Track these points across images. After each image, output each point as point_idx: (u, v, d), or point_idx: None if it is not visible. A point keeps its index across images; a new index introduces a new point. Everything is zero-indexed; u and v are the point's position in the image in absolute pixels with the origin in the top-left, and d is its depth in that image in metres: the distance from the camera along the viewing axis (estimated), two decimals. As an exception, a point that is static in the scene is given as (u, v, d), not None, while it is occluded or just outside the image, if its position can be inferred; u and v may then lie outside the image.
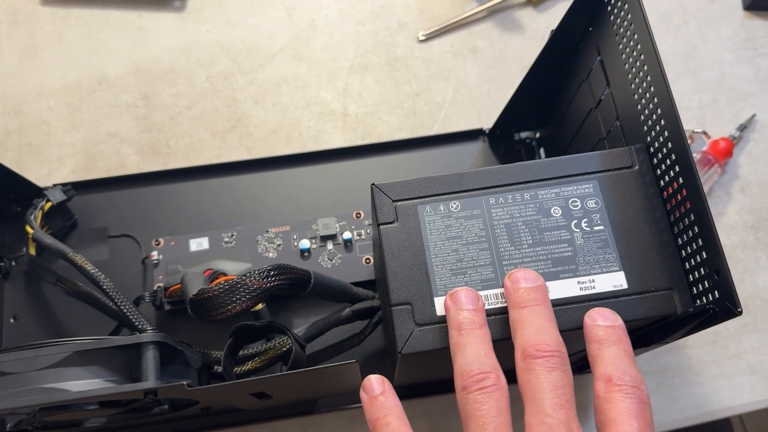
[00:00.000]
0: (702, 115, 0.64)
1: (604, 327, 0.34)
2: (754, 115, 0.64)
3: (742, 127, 0.63)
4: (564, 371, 0.32)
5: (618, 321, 0.35)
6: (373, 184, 0.40)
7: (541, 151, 0.61)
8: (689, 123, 0.64)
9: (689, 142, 0.61)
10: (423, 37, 0.67)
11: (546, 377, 0.32)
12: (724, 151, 0.61)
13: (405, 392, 0.54)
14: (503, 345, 0.36)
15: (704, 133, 0.63)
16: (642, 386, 0.32)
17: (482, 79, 0.66)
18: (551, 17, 0.67)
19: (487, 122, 0.63)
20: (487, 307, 0.37)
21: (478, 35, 0.68)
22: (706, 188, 0.60)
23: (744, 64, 0.66)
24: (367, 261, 0.56)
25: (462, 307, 0.35)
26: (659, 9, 0.68)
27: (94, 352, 0.37)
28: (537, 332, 0.33)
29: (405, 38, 0.67)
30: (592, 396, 0.32)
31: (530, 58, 0.65)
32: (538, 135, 0.62)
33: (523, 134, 0.62)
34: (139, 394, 0.36)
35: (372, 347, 0.55)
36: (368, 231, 0.57)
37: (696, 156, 0.60)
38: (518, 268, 0.37)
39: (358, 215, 0.58)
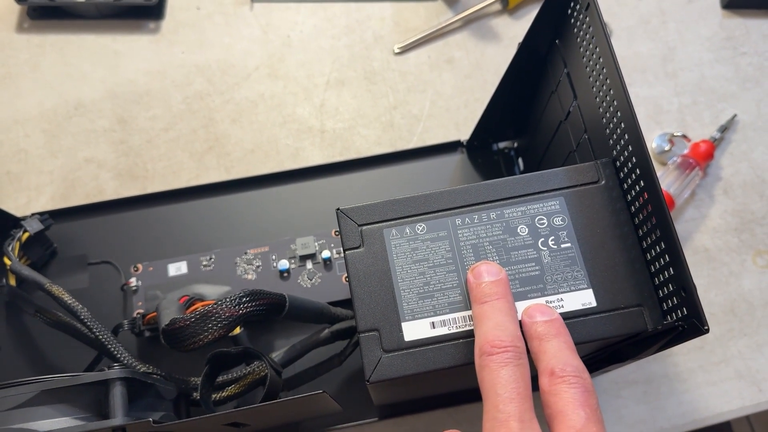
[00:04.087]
0: (682, 117, 0.64)
1: (543, 322, 0.34)
2: (734, 116, 0.63)
3: (723, 128, 0.62)
4: (517, 365, 0.32)
5: (555, 315, 0.35)
6: (338, 209, 0.40)
7: (520, 161, 0.60)
8: (669, 126, 0.63)
9: (669, 146, 0.60)
10: (399, 50, 0.67)
11: (498, 373, 0.32)
12: (705, 154, 0.60)
13: (388, 411, 0.54)
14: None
15: (684, 136, 0.62)
16: (584, 374, 0.32)
17: (459, 89, 0.66)
18: (527, 24, 0.66)
19: (466, 133, 0.63)
20: (454, 330, 0.36)
21: (454, 45, 0.67)
22: (687, 192, 0.60)
23: (724, 64, 0.66)
24: (348, 279, 0.56)
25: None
26: (636, 11, 0.68)
27: (61, 390, 0.37)
28: (494, 328, 0.33)
29: (381, 51, 0.67)
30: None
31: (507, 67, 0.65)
32: (516, 145, 0.61)
33: (501, 144, 0.62)
34: (108, 431, 0.36)
35: (353, 367, 0.55)
36: (347, 249, 0.57)
37: (676, 160, 0.60)
38: (481, 261, 0.37)
39: (337, 233, 0.57)
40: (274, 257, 0.57)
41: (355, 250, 0.39)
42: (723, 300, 0.58)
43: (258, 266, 0.57)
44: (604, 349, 0.41)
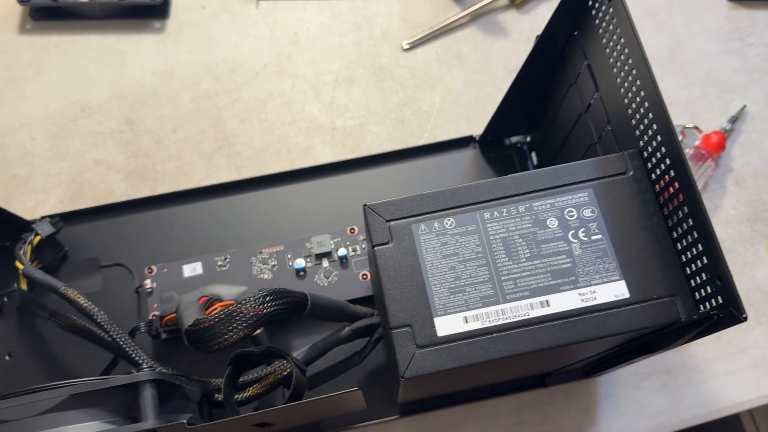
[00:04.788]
0: (692, 109, 0.64)
1: None
2: (744, 107, 0.63)
3: (734, 119, 0.62)
4: None
5: None
6: (365, 204, 0.39)
7: (533, 155, 0.60)
8: (679, 118, 0.63)
9: (681, 137, 0.60)
10: (407, 46, 0.67)
11: None
12: (717, 145, 0.60)
13: (409, 408, 0.54)
14: (515, 361, 0.35)
15: (695, 127, 0.62)
16: None
17: (469, 85, 0.65)
18: (535, 18, 0.67)
19: (476, 128, 0.63)
20: (487, 324, 0.36)
21: (463, 41, 0.67)
22: (700, 183, 0.60)
23: (731, 55, 0.66)
24: (364, 277, 0.56)
25: None
26: (644, 4, 0.68)
27: (90, 394, 0.36)
28: None
29: (389, 48, 0.67)
30: None
31: (516, 61, 0.65)
32: (528, 139, 0.61)
33: (514, 139, 0.61)
34: (139, 434, 0.35)
35: (373, 364, 0.54)
36: (363, 246, 0.57)
37: (689, 152, 0.60)
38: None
39: (352, 230, 0.57)
40: (289, 256, 0.56)
41: (385, 246, 0.38)
42: (738, 290, 0.58)
43: (274, 265, 0.56)
44: (634, 340, 0.40)
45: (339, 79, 0.66)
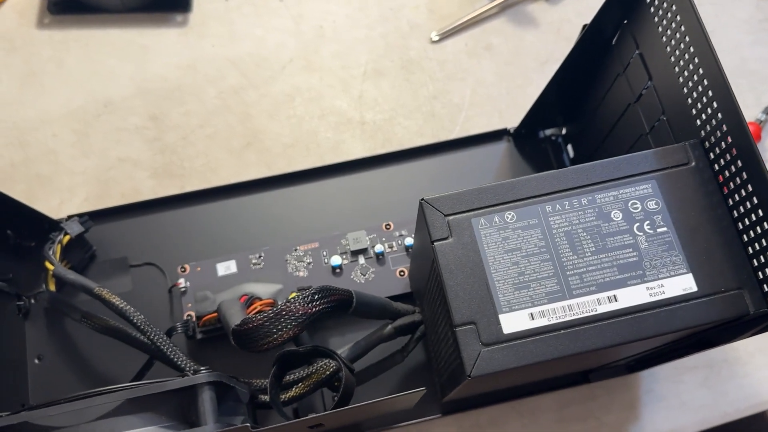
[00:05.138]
0: (725, 100, 0.63)
1: None
2: (777, 97, 0.63)
3: None
4: None
5: None
6: (422, 199, 0.38)
7: (569, 147, 0.59)
8: (713, 109, 0.63)
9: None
10: (436, 38, 0.65)
11: None
12: (754, 136, 0.59)
13: (451, 407, 0.53)
14: (578, 357, 0.35)
15: (731, 118, 0.61)
16: None
17: (500, 77, 0.64)
18: (564, 9, 0.66)
19: (509, 121, 0.62)
20: (554, 321, 0.35)
21: (492, 32, 0.66)
22: (736, 174, 0.59)
23: (763, 46, 0.65)
24: (401, 273, 0.55)
25: None
26: (672, -6, 0.67)
27: (146, 399, 0.35)
28: None
29: (417, 40, 0.66)
30: None
31: (546, 52, 0.64)
32: (564, 132, 0.60)
33: (548, 131, 0.61)
34: (199, 438, 0.34)
35: (414, 362, 0.53)
36: (400, 243, 0.55)
37: (726, 143, 0.59)
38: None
39: (388, 227, 0.56)
40: (325, 253, 0.55)
41: (444, 241, 0.37)
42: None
43: (309, 263, 0.55)
44: (696, 334, 0.40)
45: (367, 73, 0.65)
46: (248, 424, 0.32)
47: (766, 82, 0.64)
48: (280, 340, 0.41)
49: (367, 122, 0.63)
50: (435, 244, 0.37)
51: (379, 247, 0.55)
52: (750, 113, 0.62)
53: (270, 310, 0.41)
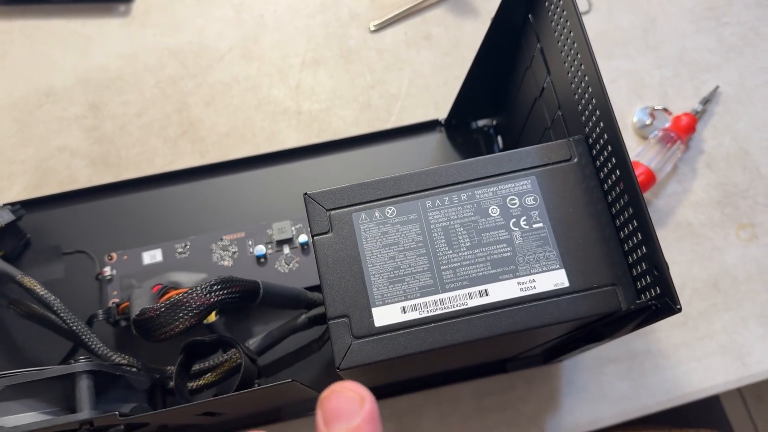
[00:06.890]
0: (664, 90, 0.63)
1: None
2: (717, 87, 0.62)
3: (705, 101, 0.61)
4: None
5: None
6: (305, 193, 0.39)
7: (499, 138, 0.59)
8: (651, 100, 0.62)
9: (650, 120, 0.59)
10: (375, 27, 0.65)
11: None
12: (687, 127, 0.59)
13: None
14: (453, 349, 0.35)
15: (665, 109, 0.61)
16: None
17: (438, 67, 0.64)
18: (506, -2, 0.65)
19: (445, 112, 0.62)
20: (425, 314, 0.36)
21: (432, 22, 0.66)
22: (669, 166, 0.59)
23: (706, 35, 0.64)
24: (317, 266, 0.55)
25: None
26: (617, -17, 0.66)
27: (28, 385, 0.36)
28: None
29: (357, 29, 0.66)
30: None
31: (484, 44, 0.64)
32: (495, 123, 0.60)
33: (481, 122, 0.61)
34: (74, 425, 0.35)
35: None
36: (325, 232, 0.56)
37: (657, 134, 0.59)
38: (333, 390, 0.27)
39: (314, 217, 0.56)
40: (250, 243, 0.56)
41: (324, 236, 0.38)
42: (706, 275, 0.57)
43: (234, 252, 0.56)
44: (580, 329, 0.40)
45: (306, 62, 0.65)
46: (116, 412, 0.33)
47: (706, 71, 0.63)
48: (176, 330, 0.42)
49: (303, 112, 0.63)
50: (315, 238, 0.38)
51: (303, 237, 0.56)
52: (688, 104, 0.62)
53: (166, 301, 0.42)
